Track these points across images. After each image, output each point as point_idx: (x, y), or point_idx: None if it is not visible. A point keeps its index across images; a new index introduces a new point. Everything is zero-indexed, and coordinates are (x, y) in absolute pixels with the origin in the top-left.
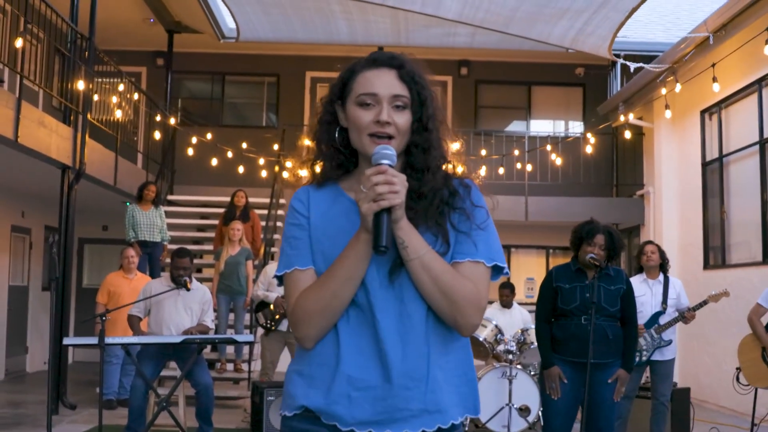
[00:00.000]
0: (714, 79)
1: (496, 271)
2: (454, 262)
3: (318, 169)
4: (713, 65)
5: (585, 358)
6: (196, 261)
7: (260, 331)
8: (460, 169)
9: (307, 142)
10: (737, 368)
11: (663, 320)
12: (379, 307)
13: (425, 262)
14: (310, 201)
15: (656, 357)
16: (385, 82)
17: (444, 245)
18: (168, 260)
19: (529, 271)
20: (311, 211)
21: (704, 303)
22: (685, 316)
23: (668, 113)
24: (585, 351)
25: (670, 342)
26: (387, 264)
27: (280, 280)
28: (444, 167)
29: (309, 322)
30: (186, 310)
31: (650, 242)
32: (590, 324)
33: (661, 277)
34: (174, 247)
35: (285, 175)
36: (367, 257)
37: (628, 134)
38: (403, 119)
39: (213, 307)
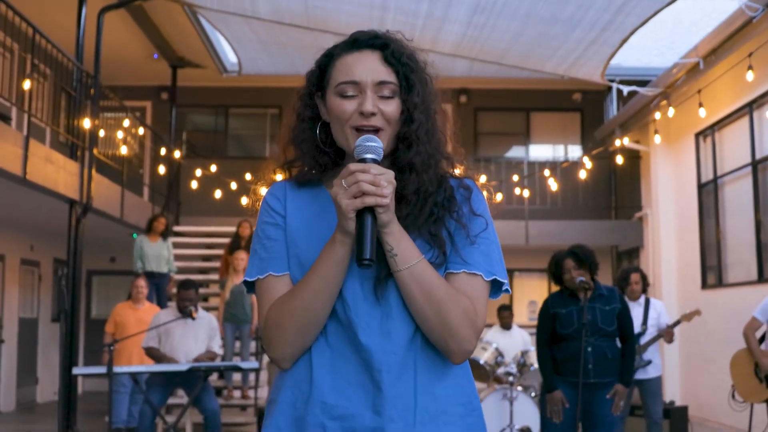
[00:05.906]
0: (700, 104)
1: (496, 287)
2: (448, 273)
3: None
4: (699, 91)
5: (584, 378)
6: (202, 290)
7: (267, 357)
8: (457, 172)
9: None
10: (732, 385)
11: (643, 341)
12: (361, 325)
13: (417, 273)
14: (287, 198)
15: (640, 376)
16: (367, 67)
17: (440, 256)
18: (174, 291)
19: (531, 294)
20: (288, 210)
21: (678, 322)
22: (663, 335)
23: (658, 138)
24: (585, 371)
25: (649, 362)
26: (371, 275)
27: (251, 286)
28: (442, 166)
29: (283, 339)
30: (194, 338)
31: (635, 270)
32: (588, 344)
33: (642, 299)
34: (180, 277)
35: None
36: (344, 263)
37: (620, 159)
38: (391, 108)
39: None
